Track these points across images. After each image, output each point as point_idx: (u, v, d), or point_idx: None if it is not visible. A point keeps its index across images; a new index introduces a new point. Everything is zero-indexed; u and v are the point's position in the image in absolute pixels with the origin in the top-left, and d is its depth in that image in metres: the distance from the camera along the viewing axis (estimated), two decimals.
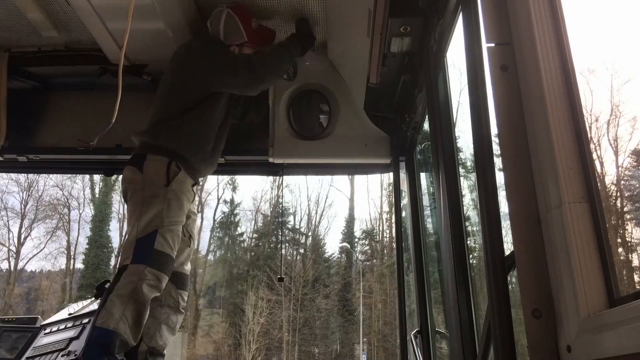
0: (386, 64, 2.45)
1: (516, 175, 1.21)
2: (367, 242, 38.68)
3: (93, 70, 3.20)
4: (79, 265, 36.97)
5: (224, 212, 39.87)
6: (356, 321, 32.98)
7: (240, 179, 43.62)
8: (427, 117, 2.41)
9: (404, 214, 3.29)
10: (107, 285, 3.33)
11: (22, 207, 33.72)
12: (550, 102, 1.14)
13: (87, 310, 3.09)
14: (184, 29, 2.82)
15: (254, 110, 3.18)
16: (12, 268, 33.46)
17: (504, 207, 1.25)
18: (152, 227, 2.45)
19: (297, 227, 39.39)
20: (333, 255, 39.02)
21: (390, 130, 3.17)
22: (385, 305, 33.67)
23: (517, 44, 1.27)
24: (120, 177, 2.76)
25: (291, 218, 39.19)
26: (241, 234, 39.86)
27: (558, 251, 1.09)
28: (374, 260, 37.15)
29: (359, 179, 45.33)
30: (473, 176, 1.87)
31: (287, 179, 40.28)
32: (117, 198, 38.84)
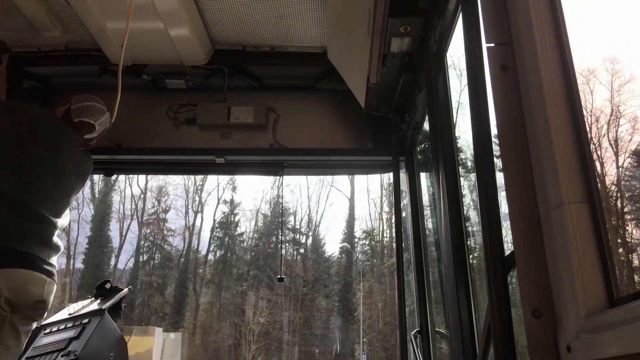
0: (386, 64, 2.45)
1: (516, 175, 1.21)
2: (367, 242, 38.71)
3: (93, 70, 3.20)
4: (79, 265, 37.03)
5: (224, 212, 39.93)
6: (356, 321, 32.99)
7: (241, 179, 43.73)
8: (427, 117, 2.41)
9: (404, 214, 3.29)
10: (107, 285, 3.34)
11: None
12: (550, 102, 1.14)
13: (87, 310, 3.09)
14: (184, 29, 2.82)
15: None
16: None
17: (504, 207, 1.25)
18: None
19: (298, 227, 39.43)
20: (333, 255, 39.08)
21: (390, 130, 3.18)
22: (385, 305, 33.68)
23: (517, 44, 1.27)
24: (121, 177, 2.83)
25: (291, 218, 39.24)
26: (241, 234, 39.91)
27: (558, 251, 1.09)
28: (374, 260, 37.17)
29: (359, 178, 45.44)
30: (473, 176, 1.87)
31: (288, 179, 40.36)
32: (117, 198, 38.89)
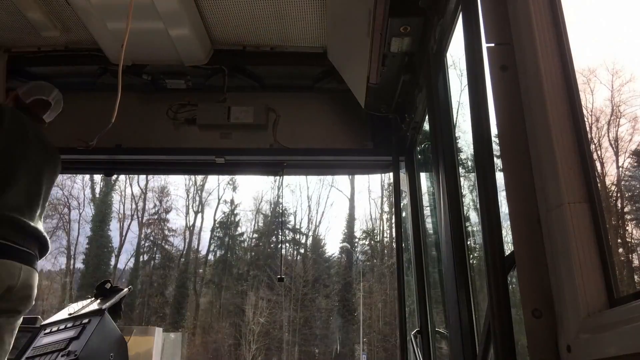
0: (386, 64, 2.45)
1: (516, 175, 1.21)
2: (367, 242, 38.72)
3: (93, 70, 3.21)
4: (79, 265, 37.07)
5: (224, 212, 39.95)
6: (356, 321, 32.99)
7: (241, 179, 43.76)
8: (427, 117, 2.41)
9: (404, 214, 3.29)
10: (107, 285, 3.35)
11: None
12: (550, 102, 1.14)
13: (87, 310, 3.09)
14: (184, 29, 2.82)
15: None
16: None
17: (504, 207, 1.25)
18: None
19: (298, 227, 39.44)
20: (333, 256, 39.09)
21: (390, 130, 3.18)
22: (385, 305, 33.68)
23: (517, 44, 1.27)
24: (121, 177, 2.74)
25: (291, 218, 39.25)
26: (241, 234, 39.93)
27: (558, 251, 1.09)
28: (374, 260, 37.18)
29: (360, 178, 45.48)
30: (473, 176, 1.87)
31: (288, 179, 40.40)
32: (117, 198, 38.91)
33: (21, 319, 2.42)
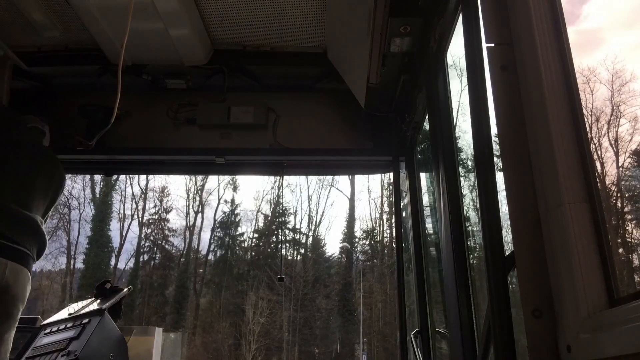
0: (386, 64, 2.45)
1: (516, 175, 1.21)
2: (367, 242, 38.72)
3: (93, 70, 3.20)
4: (79, 265, 37.05)
5: (224, 212, 39.94)
6: (356, 321, 32.99)
7: (241, 179, 43.77)
8: (427, 117, 2.41)
9: (404, 214, 3.29)
10: (107, 285, 3.34)
11: None
12: (550, 102, 1.14)
13: (87, 310, 3.09)
14: (184, 29, 2.82)
15: None
16: None
17: (504, 207, 1.25)
18: None
19: (298, 227, 39.43)
20: (333, 255, 39.08)
21: (390, 130, 3.18)
22: (385, 305, 33.68)
23: (517, 44, 1.27)
24: (121, 176, 2.69)
25: (292, 218, 39.24)
26: (242, 234, 39.91)
27: (558, 251, 1.09)
28: (375, 260, 37.17)
29: (360, 178, 45.47)
30: (473, 176, 1.87)
31: (288, 179, 40.40)
32: (117, 198, 38.92)
33: (13, 325, 2.19)
